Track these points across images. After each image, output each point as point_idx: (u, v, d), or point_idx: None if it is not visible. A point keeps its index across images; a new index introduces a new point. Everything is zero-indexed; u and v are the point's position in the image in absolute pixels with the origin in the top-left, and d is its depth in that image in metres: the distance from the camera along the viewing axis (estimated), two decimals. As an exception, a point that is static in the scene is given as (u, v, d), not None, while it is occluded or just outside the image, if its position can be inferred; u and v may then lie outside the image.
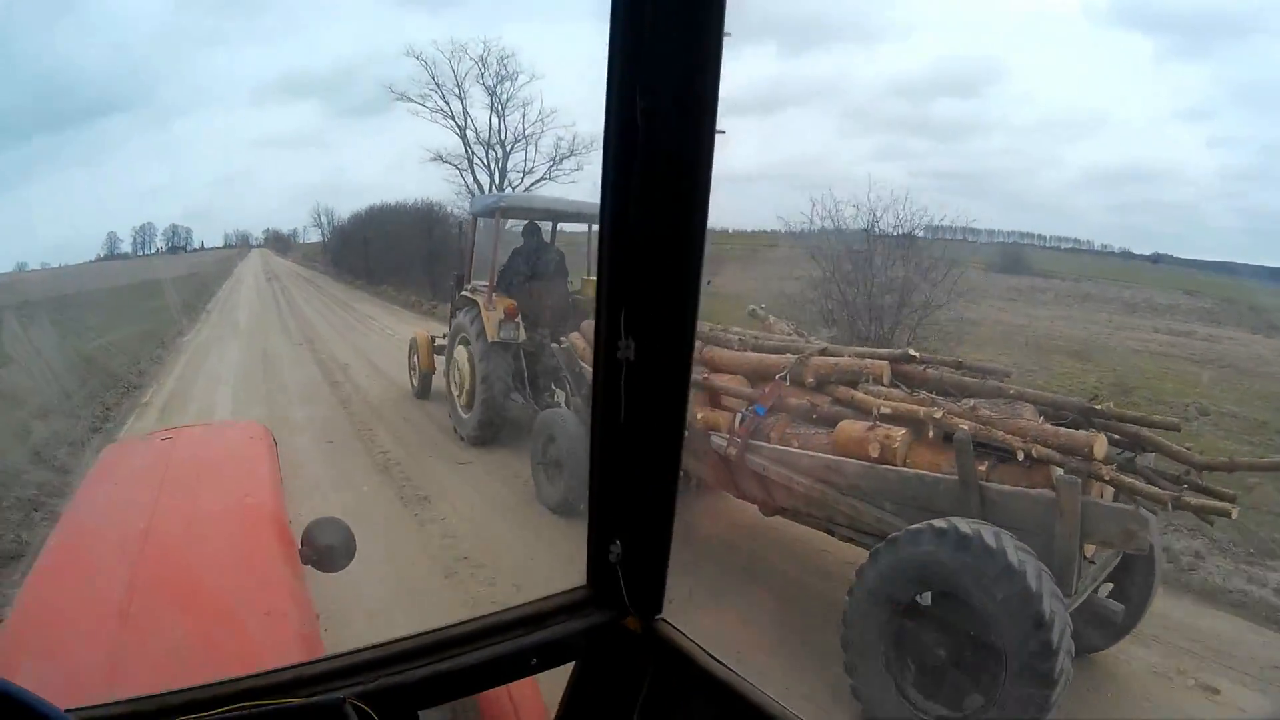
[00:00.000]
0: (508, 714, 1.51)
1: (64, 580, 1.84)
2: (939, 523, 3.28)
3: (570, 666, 1.29)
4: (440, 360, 8.48)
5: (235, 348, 12.67)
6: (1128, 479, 3.29)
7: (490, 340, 6.91)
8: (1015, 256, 10.81)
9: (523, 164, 18.34)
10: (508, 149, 18.21)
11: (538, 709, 1.55)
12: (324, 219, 22.49)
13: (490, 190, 17.59)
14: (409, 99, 17.24)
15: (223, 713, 0.99)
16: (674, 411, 1.15)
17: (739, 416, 4.24)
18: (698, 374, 4.61)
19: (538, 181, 17.99)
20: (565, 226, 8.44)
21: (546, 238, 7.98)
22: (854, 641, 3.44)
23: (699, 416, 4.38)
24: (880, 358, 4.30)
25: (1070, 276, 10.56)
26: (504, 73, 17.75)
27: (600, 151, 1.06)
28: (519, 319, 6.97)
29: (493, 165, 18.00)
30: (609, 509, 1.22)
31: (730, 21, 0.97)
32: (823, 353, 4.38)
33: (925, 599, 3.34)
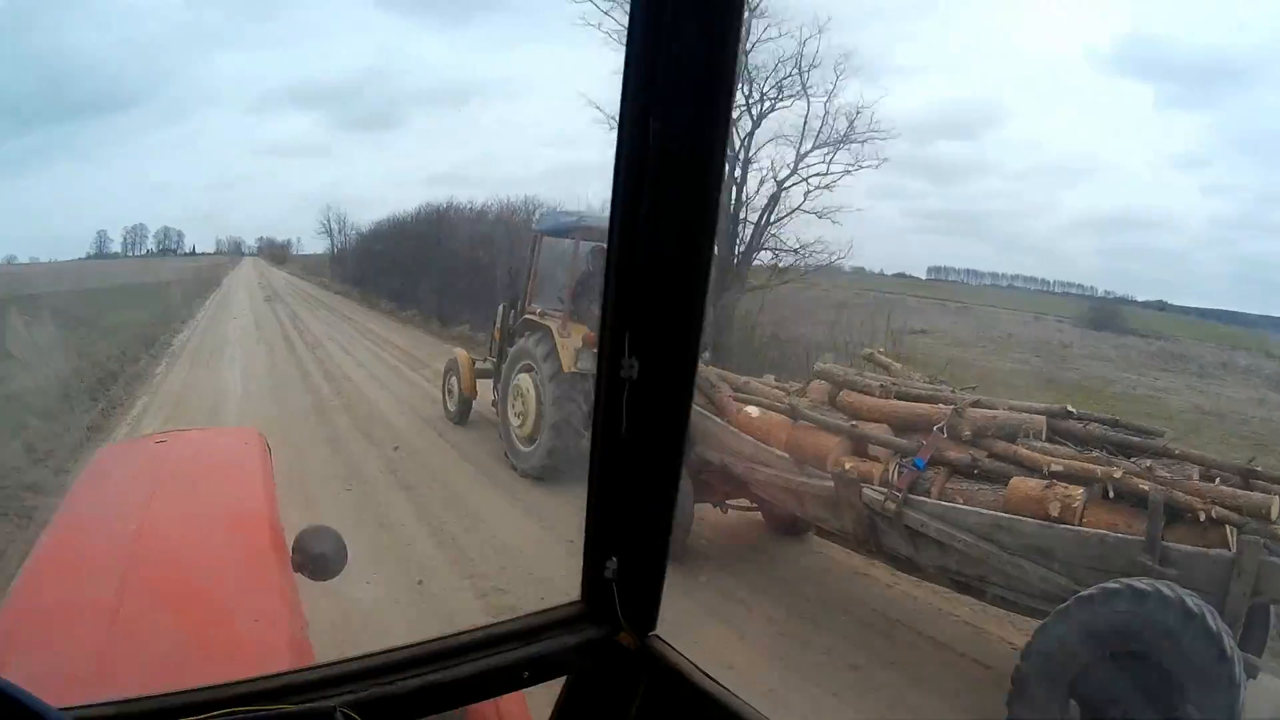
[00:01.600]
0: None
1: (55, 579, 1.83)
2: (1113, 584, 3.30)
3: (561, 682, 1.30)
4: (482, 384, 8.01)
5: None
6: None
7: (565, 370, 6.54)
8: (1110, 312, 10.53)
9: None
10: (755, 118, 10.09)
11: None
12: (334, 226, 18.55)
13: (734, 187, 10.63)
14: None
15: (213, 717, 0.99)
16: (675, 430, 1.18)
17: (895, 469, 4.01)
18: (842, 420, 4.40)
19: (789, 176, 10.29)
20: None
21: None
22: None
23: (847, 466, 4.14)
24: (1037, 412, 4.15)
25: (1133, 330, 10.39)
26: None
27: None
28: (595, 349, 6.68)
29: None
30: (606, 526, 1.24)
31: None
32: (976, 404, 4.19)
33: (1102, 662, 3.30)
